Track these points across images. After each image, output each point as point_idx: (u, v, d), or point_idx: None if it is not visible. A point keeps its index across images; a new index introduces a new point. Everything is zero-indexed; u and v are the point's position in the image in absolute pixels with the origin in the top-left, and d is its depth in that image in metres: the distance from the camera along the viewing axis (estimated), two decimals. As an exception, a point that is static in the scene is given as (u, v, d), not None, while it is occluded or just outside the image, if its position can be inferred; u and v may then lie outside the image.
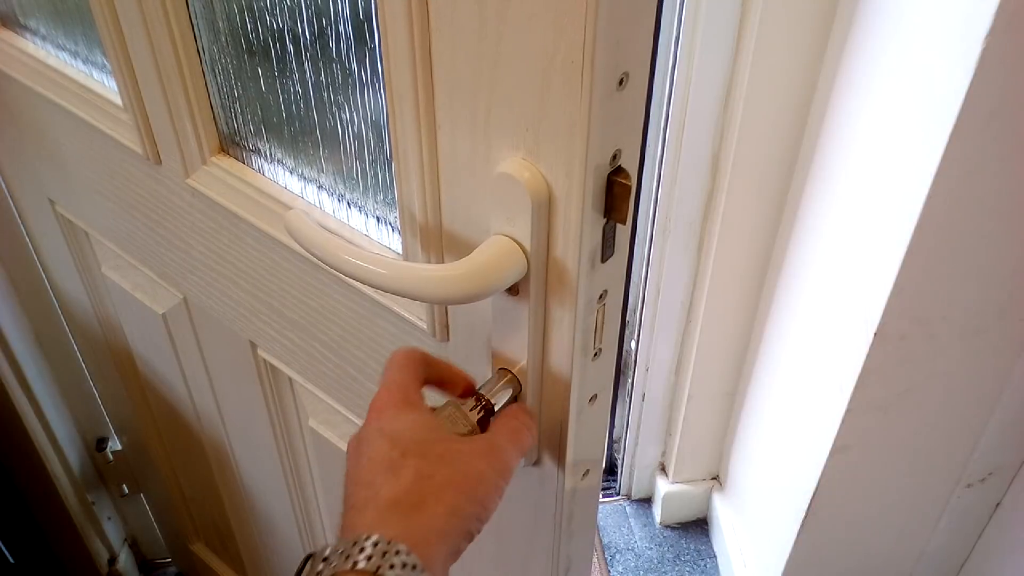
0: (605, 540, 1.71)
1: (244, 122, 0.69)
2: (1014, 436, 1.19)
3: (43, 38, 0.87)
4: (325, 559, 0.39)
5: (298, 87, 0.61)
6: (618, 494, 1.80)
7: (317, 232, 0.51)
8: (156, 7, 0.64)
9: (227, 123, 0.71)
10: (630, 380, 1.61)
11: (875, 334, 1.03)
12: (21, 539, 1.34)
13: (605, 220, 0.45)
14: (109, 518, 1.50)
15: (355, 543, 0.39)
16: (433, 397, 0.51)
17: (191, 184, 0.74)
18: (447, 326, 0.57)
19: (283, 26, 0.59)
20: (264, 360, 0.84)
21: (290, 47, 0.59)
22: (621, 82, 0.41)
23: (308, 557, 0.41)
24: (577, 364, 0.49)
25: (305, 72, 0.59)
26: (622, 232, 0.47)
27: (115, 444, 1.44)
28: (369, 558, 0.38)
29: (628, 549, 1.69)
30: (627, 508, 1.77)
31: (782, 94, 1.16)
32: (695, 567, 1.66)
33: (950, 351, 1.07)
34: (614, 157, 0.44)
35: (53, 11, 0.83)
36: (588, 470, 0.57)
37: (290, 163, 0.66)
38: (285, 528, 1.07)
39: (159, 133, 0.75)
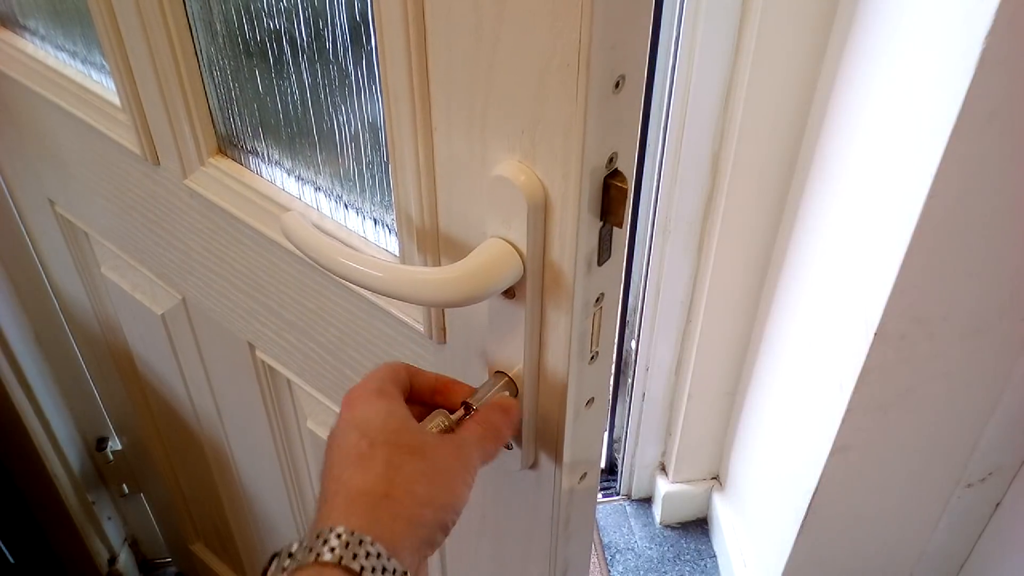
0: (605, 540, 1.71)
1: (242, 123, 0.69)
2: (1014, 436, 1.19)
3: (42, 38, 0.87)
4: (291, 555, 0.39)
5: (295, 89, 0.61)
6: (618, 494, 1.80)
7: (313, 234, 0.51)
8: (154, 8, 0.64)
9: (225, 124, 0.70)
10: (630, 380, 1.61)
11: (875, 334, 1.03)
12: (21, 539, 1.34)
13: (601, 223, 0.45)
14: (109, 518, 1.50)
15: (319, 535, 0.39)
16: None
17: (189, 185, 0.74)
18: (444, 328, 0.57)
19: (280, 27, 0.59)
20: (262, 361, 0.84)
21: (287, 48, 0.59)
22: (617, 85, 0.41)
23: (274, 556, 0.40)
24: (574, 367, 0.49)
25: (302, 74, 0.59)
26: (619, 235, 0.47)
27: (115, 444, 1.44)
28: (333, 550, 0.38)
29: (628, 549, 1.69)
30: (627, 508, 1.77)
31: (782, 94, 1.15)
32: (695, 567, 1.66)
33: (950, 351, 1.07)
34: (610, 160, 0.43)
35: (52, 11, 0.83)
36: (585, 473, 0.57)
37: (287, 165, 0.66)
38: (284, 529, 1.07)
39: (157, 134, 0.75)
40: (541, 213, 0.45)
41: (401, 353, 0.63)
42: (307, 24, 0.56)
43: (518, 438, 0.54)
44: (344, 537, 0.38)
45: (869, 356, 1.05)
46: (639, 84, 0.43)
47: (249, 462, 1.03)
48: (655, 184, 1.32)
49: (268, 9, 0.59)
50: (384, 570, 0.38)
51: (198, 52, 0.67)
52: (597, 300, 0.48)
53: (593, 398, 0.53)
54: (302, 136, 0.63)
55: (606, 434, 1.79)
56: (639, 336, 1.51)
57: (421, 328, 0.59)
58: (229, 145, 0.72)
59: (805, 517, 1.27)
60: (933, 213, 0.91)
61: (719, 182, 1.27)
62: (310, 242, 0.51)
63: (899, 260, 0.96)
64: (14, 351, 1.20)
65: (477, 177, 0.47)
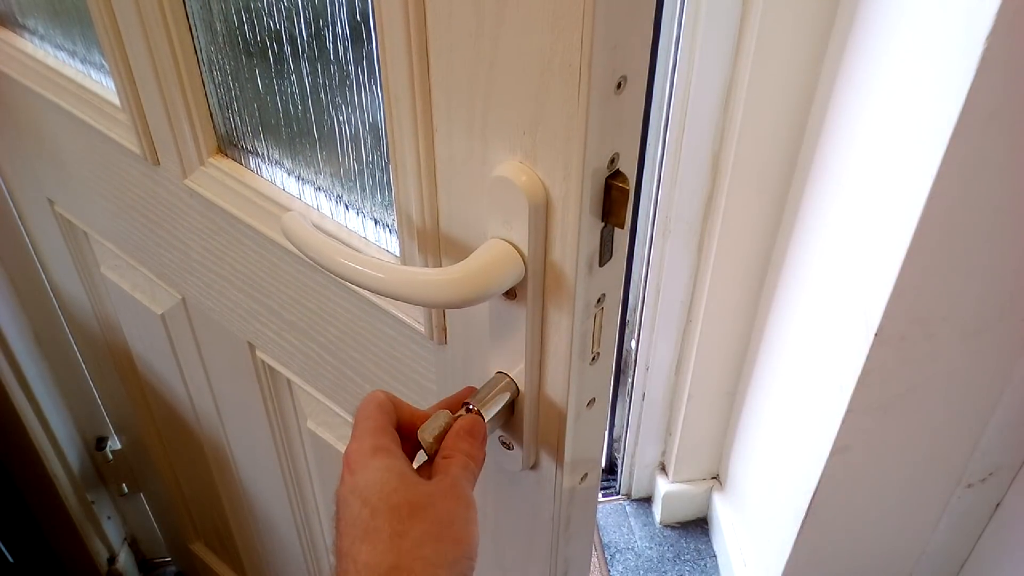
0: (605, 539, 1.71)
1: (242, 123, 0.69)
2: (1014, 436, 1.19)
3: (42, 38, 0.87)
4: None
5: (295, 88, 0.61)
6: (618, 493, 1.80)
7: (313, 235, 0.51)
8: (153, 7, 0.64)
9: (225, 124, 0.70)
10: (630, 380, 1.60)
11: (875, 334, 1.03)
12: (21, 538, 1.34)
13: (603, 224, 0.45)
14: (109, 517, 1.50)
15: None
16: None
17: (189, 185, 0.74)
18: (444, 329, 0.57)
19: (280, 27, 0.59)
20: (262, 361, 0.83)
21: (287, 48, 0.59)
22: (619, 86, 0.41)
23: None
24: (575, 368, 0.49)
25: (302, 73, 0.59)
26: (620, 236, 0.46)
27: (115, 443, 1.44)
28: None
29: (628, 549, 1.69)
30: (627, 508, 1.77)
31: (783, 94, 1.15)
32: (695, 567, 1.66)
33: (950, 351, 1.07)
34: (612, 161, 0.43)
35: (51, 11, 0.83)
36: (586, 473, 0.57)
37: (288, 165, 0.66)
38: (284, 529, 1.07)
39: (157, 134, 0.74)
40: (542, 214, 0.44)
41: (401, 354, 0.63)
42: (307, 24, 0.56)
43: (519, 438, 0.54)
44: None
45: (869, 356, 1.05)
46: (641, 85, 0.42)
47: (249, 462, 1.03)
48: (655, 184, 1.32)
49: (268, 9, 0.58)
50: None
51: (198, 52, 0.67)
52: (598, 301, 0.48)
53: (594, 399, 0.53)
54: (302, 136, 0.63)
55: (606, 434, 1.79)
56: (639, 336, 1.51)
57: (422, 329, 0.59)
58: (229, 145, 0.71)
59: (805, 517, 1.27)
60: (934, 213, 0.91)
61: (719, 182, 1.27)
62: (310, 242, 0.51)
63: (900, 260, 0.96)
64: (14, 351, 1.20)
65: (478, 177, 0.47)
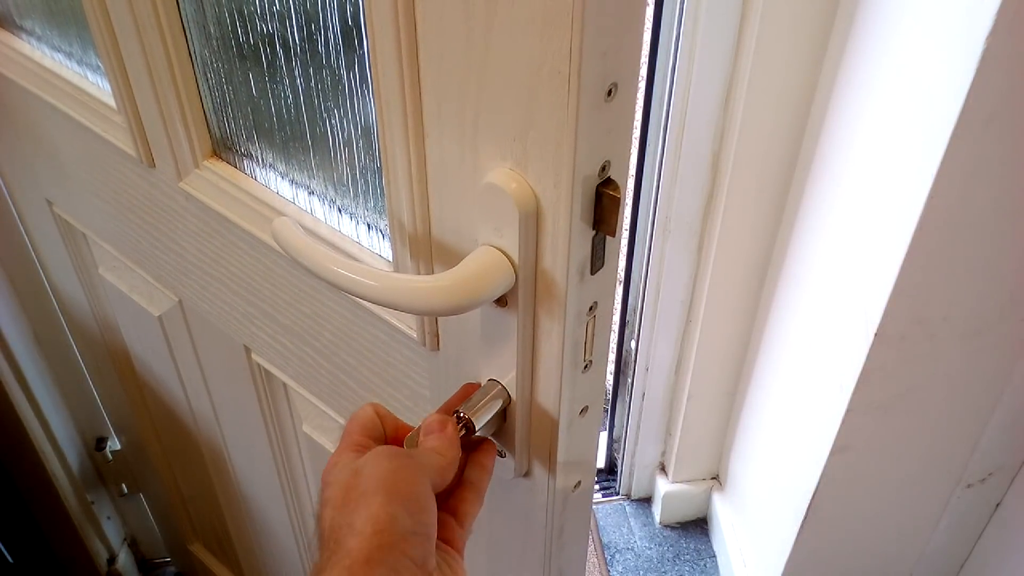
0: (605, 540, 1.71)
1: (236, 126, 0.68)
2: (1014, 436, 1.19)
3: (39, 39, 0.87)
4: None
5: (288, 92, 0.60)
6: (618, 494, 1.80)
7: (304, 241, 0.51)
8: (148, 10, 0.64)
9: (219, 127, 0.70)
10: (630, 380, 1.60)
11: (875, 334, 1.02)
12: (20, 539, 1.35)
13: (594, 232, 0.45)
14: (108, 518, 1.50)
15: None
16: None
17: (184, 188, 0.74)
18: (437, 335, 0.57)
19: (273, 31, 0.58)
20: (258, 365, 0.83)
21: (280, 52, 0.59)
22: (610, 93, 0.41)
23: None
24: (567, 376, 0.49)
25: (295, 77, 0.59)
26: (612, 244, 0.46)
27: (114, 444, 1.44)
28: None
29: (628, 549, 1.69)
30: (627, 508, 1.77)
31: (782, 94, 1.15)
32: (695, 567, 1.66)
33: (950, 351, 1.07)
34: (603, 168, 0.43)
35: (48, 12, 0.83)
36: (580, 481, 0.56)
37: (281, 168, 0.66)
38: (281, 531, 1.07)
39: (152, 136, 0.74)
40: (533, 221, 0.44)
41: (395, 359, 0.63)
42: (300, 27, 0.56)
43: (511, 446, 0.54)
44: None
45: (869, 356, 1.05)
46: (632, 92, 0.42)
47: (246, 464, 1.03)
48: (655, 184, 1.32)
49: (261, 12, 0.58)
50: None
51: (192, 55, 0.67)
52: (590, 309, 0.48)
53: (587, 407, 0.53)
54: (295, 140, 0.63)
55: (606, 434, 1.79)
56: (639, 336, 1.51)
57: (415, 335, 0.58)
58: (224, 148, 0.71)
59: (805, 517, 1.27)
60: (934, 213, 0.91)
61: (719, 182, 1.26)
62: (301, 249, 0.51)
63: (900, 260, 0.95)
64: (13, 351, 1.20)
65: (469, 184, 0.47)
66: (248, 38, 0.61)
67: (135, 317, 0.99)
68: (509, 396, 0.51)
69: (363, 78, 0.53)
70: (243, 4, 0.59)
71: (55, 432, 1.31)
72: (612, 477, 1.82)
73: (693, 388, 1.52)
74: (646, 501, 1.78)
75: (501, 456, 0.55)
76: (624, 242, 1.44)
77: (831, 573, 1.41)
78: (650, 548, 1.69)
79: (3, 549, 1.32)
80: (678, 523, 1.74)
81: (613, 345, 1.63)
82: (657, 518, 1.74)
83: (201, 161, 0.72)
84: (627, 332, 1.58)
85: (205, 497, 1.22)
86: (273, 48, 0.59)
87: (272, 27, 0.58)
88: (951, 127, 0.85)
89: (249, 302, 0.77)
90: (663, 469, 1.73)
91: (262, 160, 0.68)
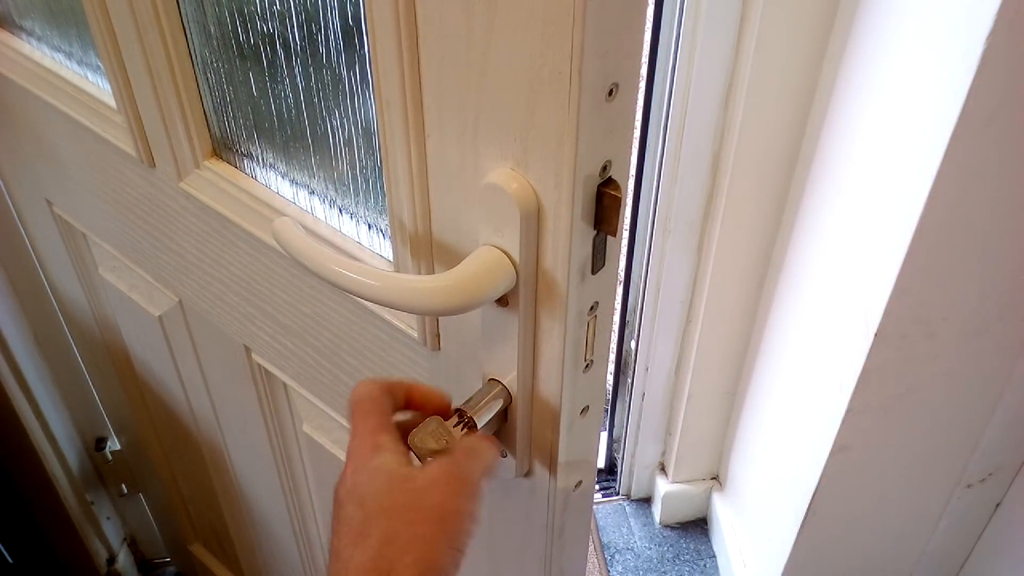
0: (605, 540, 1.71)
1: (236, 126, 0.68)
2: (1014, 436, 1.19)
3: (39, 39, 0.87)
4: None
5: (289, 92, 0.60)
6: (618, 494, 1.80)
7: (305, 241, 0.51)
8: (148, 10, 0.64)
9: (220, 127, 0.70)
10: (630, 380, 1.60)
11: (876, 334, 1.02)
12: (20, 539, 1.34)
13: (595, 232, 0.45)
14: (108, 518, 1.50)
15: None
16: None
17: (184, 188, 0.74)
18: (438, 335, 0.57)
19: (273, 30, 0.58)
20: (258, 364, 0.83)
21: (281, 52, 0.59)
22: (610, 93, 0.41)
23: None
24: (568, 376, 0.49)
25: (296, 77, 0.59)
26: (613, 244, 0.46)
27: (114, 444, 1.44)
28: None
29: (628, 549, 1.69)
30: (627, 508, 1.77)
31: (783, 94, 1.15)
32: (695, 567, 1.66)
33: (951, 351, 1.07)
34: (604, 168, 0.43)
35: (48, 12, 0.83)
36: (580, 481, 0.56)
37: (282, 168, 0.66)
38: (281, 531, 1.06)
39: (152, 136, 0.74)
40: (534, 221, 0.44)
41: (395, 359, 0.63)
42: (300, 27, 0.56)
43: (512, 446, 0.54)
44: None
45: (869, 356, 1.05)
46: (633, 92, 0.42)
47: (246, 464, 1.03)
48: (655, 184, 1.32)
49: (262, 12, 0.58)
50: None
51: (192, 55, 0.67)
52: (591, 309, 0.48)
53: (588, 407, 0.53)
54: (296, 140, 0.62)
55: (605, 434, 1.79)
56: (639, 336, 1.51)
57: (415, 335, 0.58)
58: (224, 148, 0.71)
59: (805, 517, 1.27)
60: (934, 214, 0.91)
61: (719, 182, 1.26)
62: (303, 249, 0.51)
63: (900, 260, 0.95)
64: (13, 351, 1.20)
65: (470, 184, 0.47)
66: (248, 37, 0.61)
67: (135, 317, 0.99)
68: (510, 396, 0.51)
69: (364, 77, 0.53)
70: (243, 3, 0.59)
71: (55, 432, 1.31)
72: (612, 477, 1.82)
73: (693, 388, 1.52)
74: (646, 501, 1.78)
75: (502, 456, 0.55)
76: (624, 242, 1.44)
77: (831, 573, 1.41)
78: (650, 548, 1.69)
79: (3, 549, 1.32)
80: (678, 523, 1.74)
81: (613, 345, 1.63)
82: (657, 518, 1.74)
83: (201, 161, 0.72)
84: (627, 332, 1.58)
85: (205, 497, 1.22)
86: (274, 48, 0.59)
87: (273, 26, 0.58)
88: (951, 127, 0.85)
89: (249, 302, 0.77)
90: (663, 469, 1.73)
91: (262, 160, 0.68)
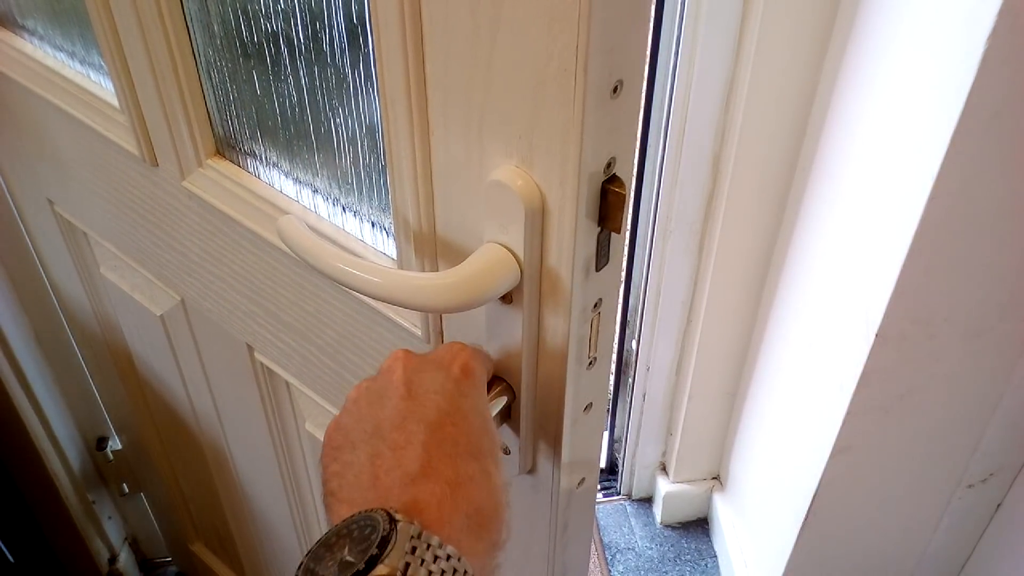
0: (605, 540, 1.71)
1: (240, 125, 0.68)
2: (1015, 437, 1.19)
3: (41, 38, 0.87)
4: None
5: (293, 91, 0.60)
6: (619, 494, 1.80)
7: (309, 239, 0.51)
8: (151, 9, 0.64)
9: (223, 126, 0.70)
10: (631, 380, 1.60)
11: (876, 335, 1.02)
12: (21, 538, 1.34)
13: (599, 229, 0.45)
14: (109, 517, 1.50)
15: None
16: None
17: (187, 187, 0.74)
18: (441, 333, 0.57)
19: (277, 29, 0.58)
20: (261, 363, 0.83)
21: (284, 50, 0.59)
22: (615, 90, 0.41)
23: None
24: (571, 373, 0.49)
25: (300, 75, 0.59)
26: (616, 241, 0.46)
27: (115, 443, 1.44)
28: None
29: (628, 549, 1.69)
30: (628, 508, 1.77)
31: (783, 95, 1.15)
32: (695, 567, 1.66)
33: (951, 352, 1.07)
34: (608, 165, 0.43)
35: (50, 12, 0.83)
36: (584, 478, 0.57)
37: (285, 167, 0.66)
38: (283, 530, 1.06)
39: (155, 135, 0.74)
40: (538, 218, 0.44)
41: (399, 357, 0.63)
42: (304, 26, 0.56)
43: (516, 443, 0.54)
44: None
45: (870, 357, 1.05)
46: (637, 89, 0.42)
47: (248, 463, 1.03)
48: (656, 185, 1.32)
49: (265, 11, 0.58)
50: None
51: (196, 53, 0.67)
52: (595, 306, 0.48)
53: (591, 403, 0.53)
54: (300, 138, 0.63)
55: (607, 434, 1.79)
56: (640, 337, 1.51)
57: (419, 332, 0.58)
58: (227, 147, 0.71)
59: (806, 517, 1.27)
60: (934, 214, 0.91)
61: (720, 183, 1.26)
62: (306, 246, 0.51)
63: (900, 261, 0.96)
64: (14, 351, 1.20)
65: (474, 181, 0.47)
66: (252, 36, 0.61)
67: (137, 316, 0.99)
68: (514, 393, 0.51)
69: (368, 75, 0.53)
70: (247, 2, 0.59)
71: (56, 432, 1.31)
72: (613, 477, 1.82)
73: (694, 388, 1.52)
74: (647, 501, 1.78)
75: (506, 453, 0.55)
76: (625, 243, 1.44)
77: (832, 573, 1.41)
78: (651, 548, 1.69)
79: (4, 549, 1.32)
80: (679, 523, 1.74)
81: (614, 345, 1.63)
82: (658, 518, 1.74)
83: (204, 160, 0.72)
84: (628, 332, 1.58)
85: (206, 496, 1.22)
86: (277, 46, 0.59)
87: (276, 25, 0.58)
88: (952, 128, 0.85)
89: (252, 300, 0.77)
90: (664, 469, 1.73)
91: (266, 158, 0.68)
